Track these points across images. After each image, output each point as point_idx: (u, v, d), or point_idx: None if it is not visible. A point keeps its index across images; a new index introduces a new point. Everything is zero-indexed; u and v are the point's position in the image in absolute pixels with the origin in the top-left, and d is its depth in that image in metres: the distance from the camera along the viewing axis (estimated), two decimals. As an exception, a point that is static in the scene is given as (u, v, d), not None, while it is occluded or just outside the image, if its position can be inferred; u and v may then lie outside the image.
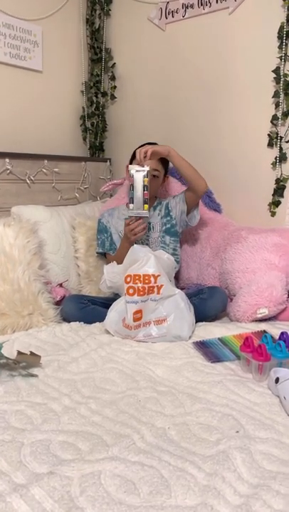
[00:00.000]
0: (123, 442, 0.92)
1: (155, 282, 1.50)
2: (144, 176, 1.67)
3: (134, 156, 1.88)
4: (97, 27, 2.53)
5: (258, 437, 0.94)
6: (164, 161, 1.88)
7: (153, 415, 1.04)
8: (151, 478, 0.82)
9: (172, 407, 1.08)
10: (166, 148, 1.73)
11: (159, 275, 1.50)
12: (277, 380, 1.10)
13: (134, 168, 1.67)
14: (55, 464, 0.86)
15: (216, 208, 2.13)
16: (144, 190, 1.67)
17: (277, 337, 1.39)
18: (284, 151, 1.98)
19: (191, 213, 1.87)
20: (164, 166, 1.89)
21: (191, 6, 2.18)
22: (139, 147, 1.86)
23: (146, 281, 1.49)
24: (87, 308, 1.70)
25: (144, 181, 1.67)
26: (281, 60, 1.91)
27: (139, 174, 1.67)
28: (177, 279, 2.05)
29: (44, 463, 0.87)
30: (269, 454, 0.88)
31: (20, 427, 0.99)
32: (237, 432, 0.95)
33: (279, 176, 2.01)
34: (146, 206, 1.67)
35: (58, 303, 1.79)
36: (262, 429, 0.96)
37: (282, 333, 1.33)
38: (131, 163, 1.90)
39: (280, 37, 1.89)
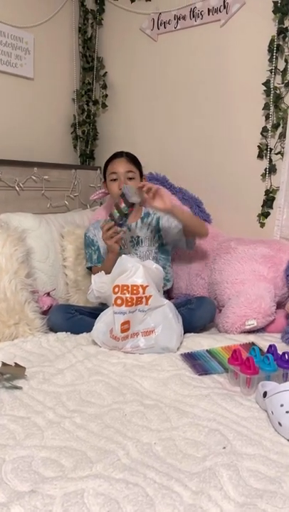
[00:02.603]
0: (108, 459, 0.90)
1: (143, 293, 1.48)
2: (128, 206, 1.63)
3: (106, 164, 1.89)
4: (89, 36, 2.53)
5: (245, 453, 0.92)
6: (136, 162, 1.87)
7: (139, 430, 1.02)
8: (135, 496, 0.80)
9: (159, 421, 1.06)
10: (168, 206, 1.64)
11: (147, 286, 1.49)
12: (265, 394, 1.09)
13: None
14: (37, 482, 0.83)
15: (205, 218, 2.13)
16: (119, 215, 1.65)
17: (265, 349, 1.39)
18: (273, 163, 1.99)
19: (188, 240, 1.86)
20: (137, 166, 1.88)
21: (183, 18, 2.20)
22: (113, 156, 1.87)
23: (135, 291, 1.47)
24: (74, 319, 1.67)
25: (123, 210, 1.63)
26: (271, 72, 1.93)
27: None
28: (169, 294, 2.02)
29: (26, 480, 0.84)
30: (256, 471, 0.87)
31: (1, 443, 0.96)
32: (224, 448, 0.94)
33: (268, 188, 2.02)
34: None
35: (44, 312, 1.76)
36: (249, 445, 0.95)
37: (270, 346, 1.33)
38: (104, 171, 1.90)
39: (270, 50, 1.91)
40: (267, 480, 0.85)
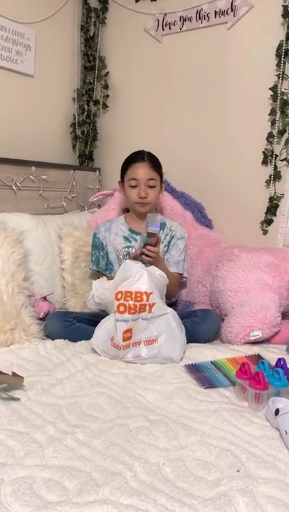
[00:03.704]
0: (115, 481, 0.84)
1: (147, 300, 1.43)
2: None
3: (126, 166, 1.79)
4: (91, 34, 2.48)
5: (260, 477, 0.87)
6: (158, 166, 1.78)
7: (146, 448, 0.96)
8: (146, 525, 0.74)
9: (166, 439, 1.00)
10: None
11: (151, 293, 1.43)
12: (277, 412, 1.04)
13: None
14: (40, 507, 0.77)
15: (207, 223, 2.09)
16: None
17: (271, 361, 1.34)
18: (278, 170, 1.95)
19: None
20: (159, 171, 1.78)
21: (189, 19, 2.15)
22: (133, 157, 1.78)
23: (138, 298, 1.41)
24: (72, 327, 1.60)
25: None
26: (279, 78, 1.89)
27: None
28: (174, 304, 1.95)
29: (27, 505, 0.78)
30: (273, 497, 0.81)
31: (0, 461, 0.90)
32: (238, 471, 0.88)
33: (272, 195, 1.98)
34: None
35: (41, 318, 1.69)
36: (263, 468, 0.90)
37: (279, 360, 1.28)
38: (123, 173, 1.82)
39: (278, 55, 1.88)
40: (285, 507, 0.79)
